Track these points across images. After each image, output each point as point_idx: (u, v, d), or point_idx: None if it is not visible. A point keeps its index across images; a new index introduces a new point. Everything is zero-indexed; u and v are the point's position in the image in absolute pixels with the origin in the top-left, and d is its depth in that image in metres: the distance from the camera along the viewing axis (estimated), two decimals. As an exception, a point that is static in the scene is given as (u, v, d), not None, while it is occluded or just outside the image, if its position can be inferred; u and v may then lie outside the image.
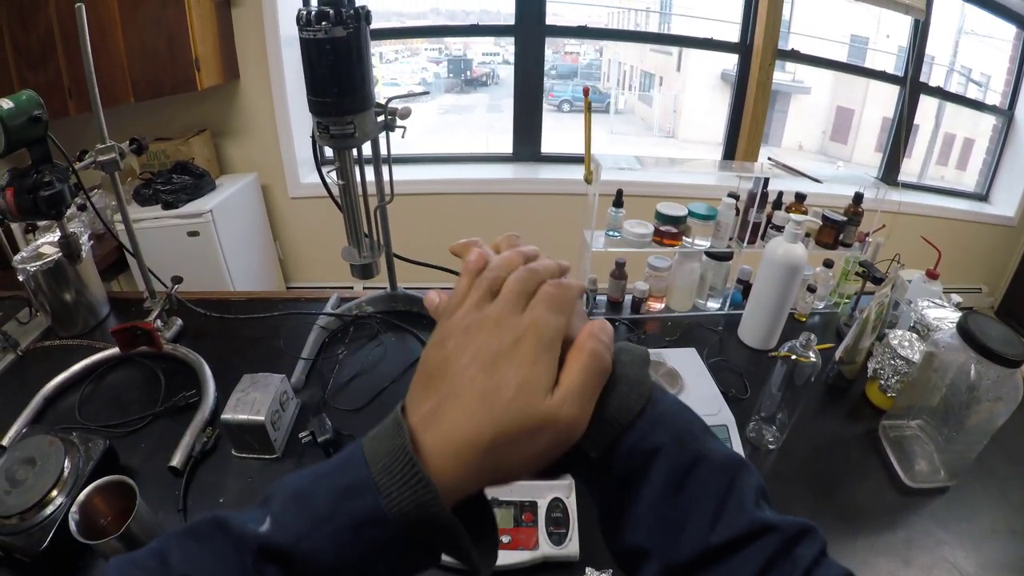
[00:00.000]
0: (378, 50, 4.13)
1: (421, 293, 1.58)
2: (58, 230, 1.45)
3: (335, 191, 1.28)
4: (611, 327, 0.46)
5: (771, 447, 1.22)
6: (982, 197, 4.36)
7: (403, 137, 1.25)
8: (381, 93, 1.17)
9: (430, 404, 0.42)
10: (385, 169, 1.33)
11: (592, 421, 0.43)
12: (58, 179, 1.21)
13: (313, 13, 1.01)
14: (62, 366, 1.40)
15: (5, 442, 1.19)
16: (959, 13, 3.92)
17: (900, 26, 3.81)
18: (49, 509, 0.97)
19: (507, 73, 4.12)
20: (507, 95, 3.91)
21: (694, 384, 1.22)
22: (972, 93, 4.18)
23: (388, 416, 0.43)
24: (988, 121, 4.27)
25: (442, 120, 5.22)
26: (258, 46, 3.35)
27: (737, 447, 1.12)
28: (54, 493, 0.99)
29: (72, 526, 0.87)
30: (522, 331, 0.43)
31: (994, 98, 4.17)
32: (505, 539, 0.95)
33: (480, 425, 0.40)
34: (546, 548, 0.94)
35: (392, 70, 4.72)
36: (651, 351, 1.28)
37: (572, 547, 0.94)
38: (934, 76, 4.00)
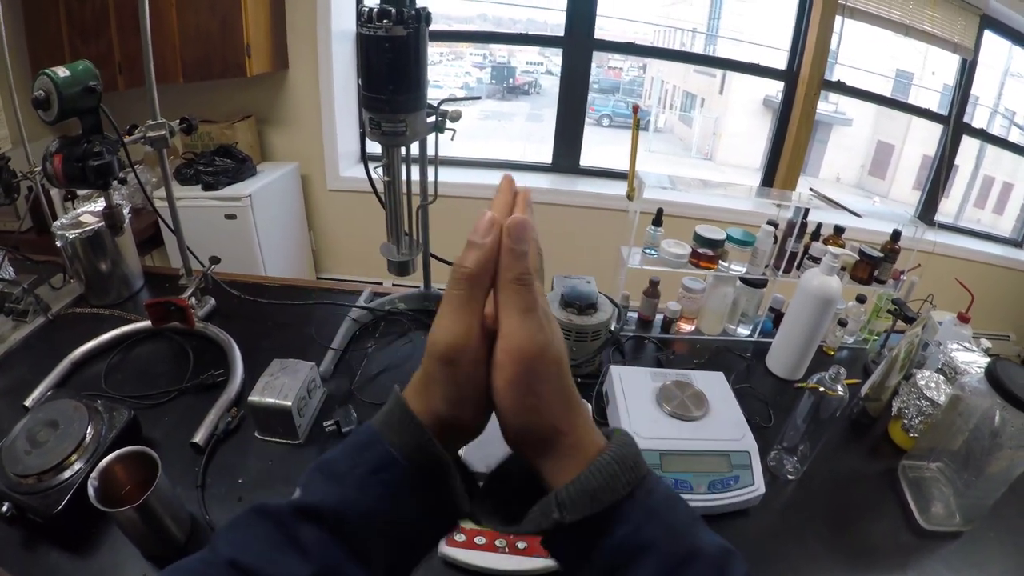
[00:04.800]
0: (428, 49, 4.20)
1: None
2: (100, 200, 1.47)
3: (379, 187, 1.30)
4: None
5: (790, 477, 1.22)
6: (1017, 244, 4.29)
7: (452, 139, 1.26)
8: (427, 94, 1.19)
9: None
10: (431, 169, 1.34)
11: (572, 485, 0.43)
12: (108, 150, 1.21)
13: (375, 11, 1.02)
14: (91, 334, 1.42)
15: (29, 403, 1.21)
16: (1007, 55, 3.87)
17: (947, 64, 3.77)
18: (67, 473, 0.98)
19: (549, 83, 4.13)
20: (547, 105, 3.92)
21: (720, 408, 1.22)
22: (1015, 136, 4.11)
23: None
24: (1029, 166, 4.18)
25: (482, 125, 5.23)
26: (309, 38, 3.38)
27: (758, 475, 1.11)
28: (74, 458, 1.00)
29: (91, 492, 0.88)
30: None
31: (1036, 143, 4.09)
32: (521, 544, 0.95)
33: None
34: (561, 557, 0.94)
35: (435, 72, 4.75)
36: (680, 371, 1.29)
37: (587, 558, 0.94)
38: (978, 117, 3.95)
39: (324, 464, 0.47)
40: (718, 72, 4.78)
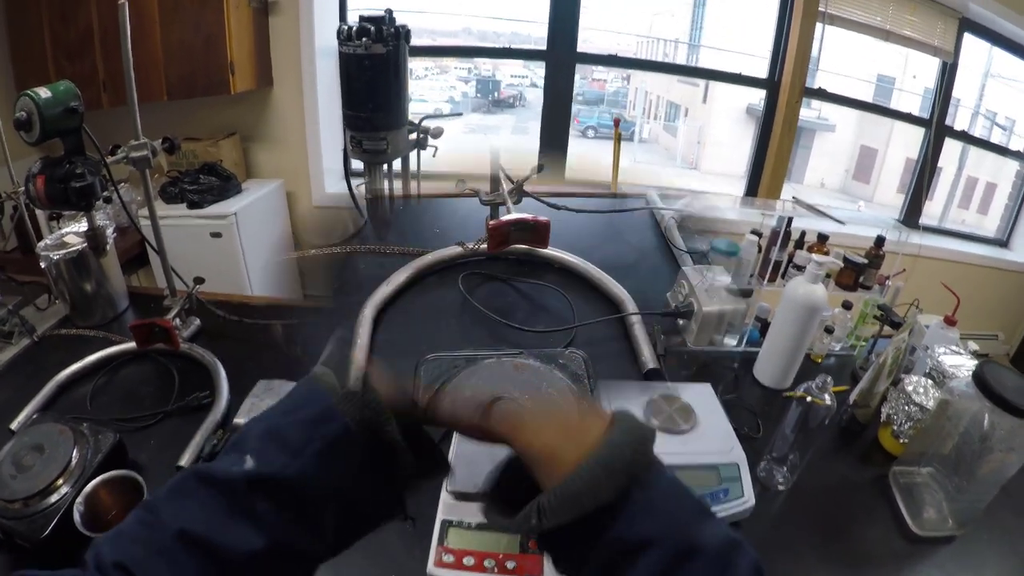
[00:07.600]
0: (408, 66, 4.22)
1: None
2: (84, 221, 1.46)
3: (362, 204, 1.29)
4: None
5: (781, 487, 1.21)
6: (1003, 243, 4.32)
7: (434, 156, 1.26)
8: (410, 110, 1.19)
9: None
10: (414, 185, 1.34)
11: (555, 491, 0.42)
12: (90, 171, 1.21)
13: (354, 29, 1.02)
14: (77, 355, 1.41)
15: (14, 426, 1.20)
16: (986, 56, 3.91)
17: (927, 67, 3.81)
18: (54, 497, 0.97)
19: (534, 96, 4.13)
20: (533, 117, 3.92)
21: (708, 421, 1.20)
22: (996, 137, 4.16)
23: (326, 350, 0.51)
24: (1012, 166, 4.22)
25: (467, 139, 5.22)
26: (293, 55, 3.38)
27: (748, 487, 1.11)
28: (60, 482, 0.99)
29: (76, 517, 0.88)
30: None
31: (1019, 143, 4.12)
32: (510, 565, 0.94)
33: None
34: (550, 576, 0.93)
35: (421, 87, 4.75)
36: (666, 384, 1.28)
37: (576, 576, 0.94)
38: (959, 119, 3.99)
39: (274, 432, 0.47)
40: (701, 82, 4.81)
